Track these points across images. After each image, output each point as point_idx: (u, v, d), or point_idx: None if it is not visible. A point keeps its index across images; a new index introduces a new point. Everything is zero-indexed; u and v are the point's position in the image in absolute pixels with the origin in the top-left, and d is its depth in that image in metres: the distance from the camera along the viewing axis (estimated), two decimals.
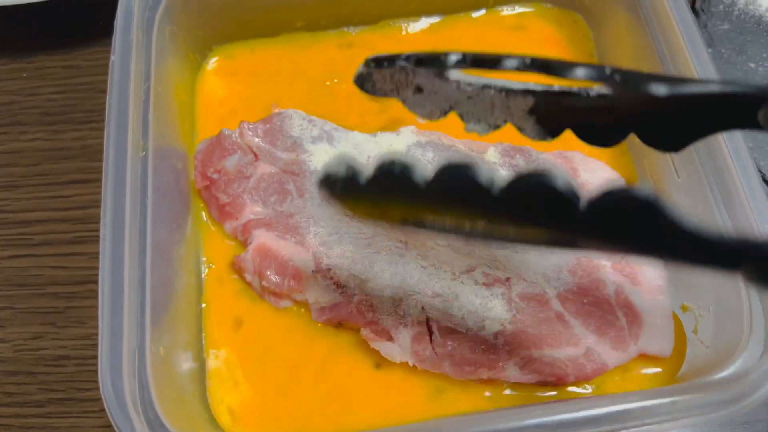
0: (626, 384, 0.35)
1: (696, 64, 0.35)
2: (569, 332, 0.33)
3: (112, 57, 0.37)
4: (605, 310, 0.34)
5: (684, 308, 0.36)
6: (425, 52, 0.29)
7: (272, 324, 0.38)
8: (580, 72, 0.25)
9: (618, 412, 0.28)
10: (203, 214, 0.41)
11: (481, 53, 0.28)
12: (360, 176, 0.24)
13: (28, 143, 0.47)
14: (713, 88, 0.24)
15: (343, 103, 0.44)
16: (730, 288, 0.32)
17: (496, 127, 0.30)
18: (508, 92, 0.29)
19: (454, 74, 0.29)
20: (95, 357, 0.40)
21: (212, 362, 0.37)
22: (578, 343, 0.33)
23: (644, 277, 0.35)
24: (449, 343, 0.34)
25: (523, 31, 0.46)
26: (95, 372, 0.39)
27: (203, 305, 0.39)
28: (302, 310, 0.38)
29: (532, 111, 0.28)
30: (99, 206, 0.43)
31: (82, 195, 0.45)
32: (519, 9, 0.47)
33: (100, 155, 0.45)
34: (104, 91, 0.48)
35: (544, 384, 0.34)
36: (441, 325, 0.34)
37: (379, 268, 0.36)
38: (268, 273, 0.37)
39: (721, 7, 0.48)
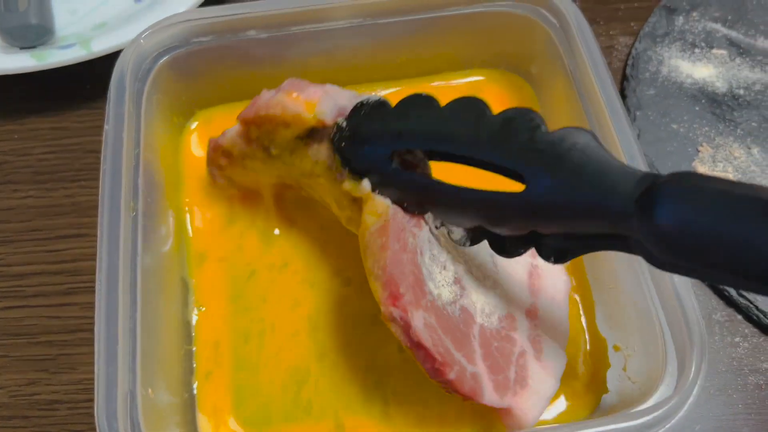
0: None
1: (617, 131, 0.40)
2: (470, 348, 0.35)
3: (106, 126, 0.40)
4: (505, 359, 0.36)
5: (616, 348, 0.41)
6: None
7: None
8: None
9: None
10: (187, 268, 0.45)
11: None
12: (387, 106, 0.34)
13: (21, 201, 0.51)
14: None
15: None
16: (649, 330, 0.36)
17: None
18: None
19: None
20: (87, 401, 0.43)
21: (202, 394, 0.41)
22: (472, 361, 0.35)
23: (546, 357, 0.38)
24: None
25: (488, 89, 0.51)
26: (87, 415, 0.43)
27: (194, 348, 0.42)
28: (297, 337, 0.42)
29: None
30: (89, 259, 0.48)
31: (73, 249, 0.49)
32: (471, 78, 0.52)
33: (90, 211, 0.50)
34: (92, 151, 0.53)
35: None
36: None
37: None
38: None
39: (648, 74, 0.54)
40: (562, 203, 0.29)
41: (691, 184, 0.25)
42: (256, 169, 0.43)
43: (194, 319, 0.43)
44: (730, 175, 0.49)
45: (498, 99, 0.51)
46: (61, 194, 0.51)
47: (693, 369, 0.34)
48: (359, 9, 0.46)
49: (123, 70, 0.43)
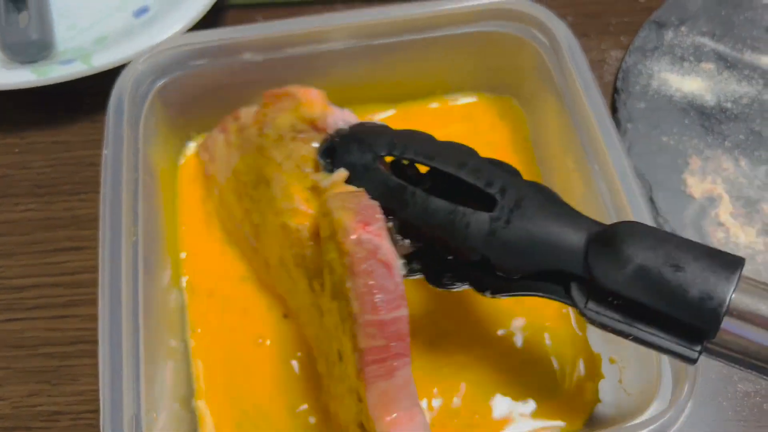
0: None
1: (608, 148, 0.41)
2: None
3: (105, 151, 0.41)
4: None
5: (611, 361, 0.42)
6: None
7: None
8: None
9: None
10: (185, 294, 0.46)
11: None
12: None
13: (21, 214, 0.51)
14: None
15: None
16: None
17: None
18: None
19: None
20: (88, 411, 0.44)
21: (203, 412, 0.41)
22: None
23: None
24: None
25: (471, 121, 0.52)
26: (88, 426, 0.44)
27: (192, 370, 0.43)
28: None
29: None
30: (89, 272, 0.49)
31: (72, 261, 0.49)
32: (463, 100, 0.53)
33: (89, 224, 0.51)
34: (92, 164, 0.54)
35: None
36: None
37: None
38: None
39: (638, 87, 0.55)
40: (517, 247, 0.32)
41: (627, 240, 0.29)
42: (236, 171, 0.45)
43: (191, 343, 0.44)
44: (719, 187, 0.50)
45: (488, 121, 0.53)
46: (60, 207, 0.52)
47: (687, 383, 0.35)
48: (353, 30, 0.47)
49: (120, 94, 0.43)
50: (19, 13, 0.55)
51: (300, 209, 0.38)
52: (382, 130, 0.38)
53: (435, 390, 0.41)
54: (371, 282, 0.30)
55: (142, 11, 0.58)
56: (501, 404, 0.41)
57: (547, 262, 0.31)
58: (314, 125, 0.40)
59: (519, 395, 0.41)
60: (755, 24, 0.59)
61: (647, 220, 0.38)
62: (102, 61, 0.51)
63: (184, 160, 0.50)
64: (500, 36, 0.48)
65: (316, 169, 0.38)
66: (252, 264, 0.46)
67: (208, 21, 0.60)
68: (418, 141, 0.36)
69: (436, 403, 0.41)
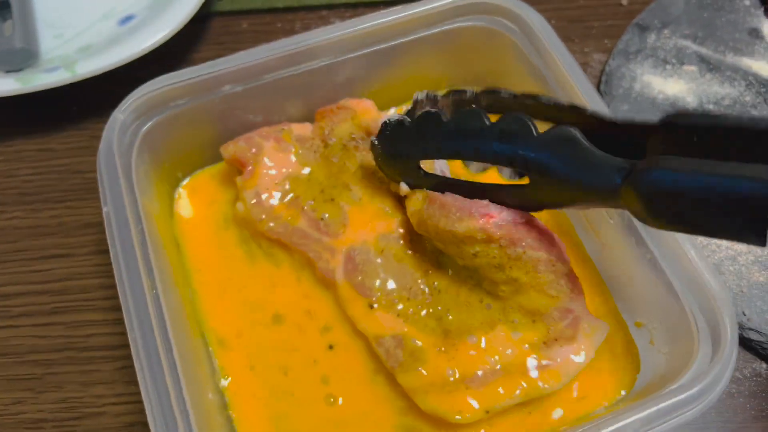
0: (593, 402, 0.41)
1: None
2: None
3: (105, 208, 0.40)
4: None
5: (638, 324, 0.42)
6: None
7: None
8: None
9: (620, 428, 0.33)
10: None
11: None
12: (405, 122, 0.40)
13: (7, 222, 0.52)
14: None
15: None
16: (674, 304, 0.38)
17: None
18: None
19: None
20: (71, 419, 0.44)
21: None
22: None
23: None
24: None
25: None
26: None
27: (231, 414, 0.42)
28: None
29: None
30: (76, 278, 0.49)
31: (59, 269, 0.49)
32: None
33: (75, 231, 0.51)
34: (78, 172, 0.54)
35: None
36: None
37: None
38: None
39: (621, 90, 0.56)
40: (560, 190, 0.35)
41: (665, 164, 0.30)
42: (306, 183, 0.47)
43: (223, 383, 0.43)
44: None
45: None
46: (47, 215, 0.52)
47: (729, 329, 0.35)
48: (328, 47, 0.47)
49: (109, 145, 0.42)
50: (4, 22, 0.56)
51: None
52: (404, 139, 0.42)
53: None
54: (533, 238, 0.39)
55: (128, 19, 0.58)
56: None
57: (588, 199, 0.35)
58: (368, 131, 0.47)
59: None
60: (737, 26, 0.59)
61: None
62: (86, 69, 0.51)
63: (176, 203, 0.50)
64: (472, 30, 0.49)
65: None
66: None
67: (194, 29, 0.61)
68: (435, 137, 0.39)
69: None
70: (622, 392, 0.42)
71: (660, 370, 0.40)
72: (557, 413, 0.41)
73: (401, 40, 0.48)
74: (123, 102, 0.43)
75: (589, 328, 0.40)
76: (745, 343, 0.46)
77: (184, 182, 0.50)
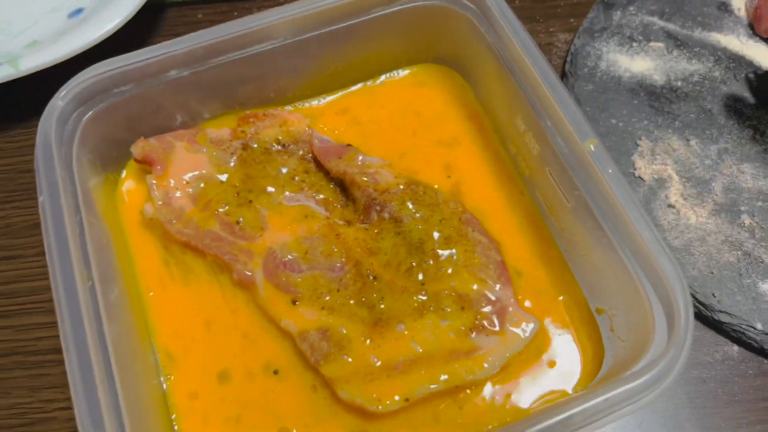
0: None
1: (556, 100, 0.40)
2: None
3: (40, 198, 0.38)
4: None
5: (599, 311, 0.41)
6: None
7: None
8: None
9: (561, 420, 0.32)
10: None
11: None
12: None
13: None
14: None
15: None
16: (631, 289, 0.37)
17: None
18: None
19: None
20: (20, 426, 0.43)
21: None
22: None
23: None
24: None
25: (425, 86, 0.51)
26: None
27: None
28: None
29: None
30: (24, 281, 0.47)
31: (6, 271, 0.48)
32: (403, 73, 0.52)
33: (24, 232, 0.49)
34: (26, 171, 0.52)
35: None
36: None
37: None
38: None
39: (586, 69, 0.54)
40: None
41: None
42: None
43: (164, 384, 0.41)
44: (669, 168, 0.49)
45: (433, 92, 0.51)
46: None
47: (683, 317, 0.34)
48: (279, 28, 0.45)
49: (47, 135, 0.40)
50: None
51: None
52: None
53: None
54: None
55: (77, 12, 0.56)
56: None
57: None
58: (296, 140, 0.48)
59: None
60: (705, 1, 0.57)
61: (612, 164, 0.38)
62: (30, 65, 0.50)
63: (126, 193, 0.47)
64: (427, 9, 0.47)
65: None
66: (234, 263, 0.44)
67: (148, 20, 0.59)
68: None
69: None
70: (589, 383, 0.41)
71: (620, 358, 0.38)
72: (498, 402, 0.40)
73: (359, 20, 0.46)
74: (62, 88, 0.41)
75: (517, 319, 0.40)
76: (715, 326, 0.45)
77: (130, 168, 0.48)
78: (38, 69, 0.50)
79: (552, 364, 0.40)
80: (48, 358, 0.45)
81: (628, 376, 0.33)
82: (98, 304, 0.36)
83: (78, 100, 0.42)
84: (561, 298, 0.43)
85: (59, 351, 0.44)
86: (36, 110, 0.55)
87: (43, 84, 0.51)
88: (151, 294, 0.44)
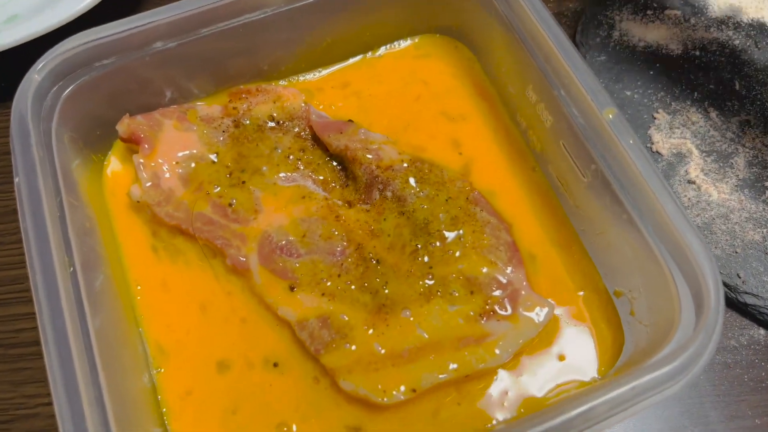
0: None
1: (574, 71, 0.37)
2: None
3: (16, 179, 0.35)
4: None
5: (617, 293, 0.39)
6: None
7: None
8: None
9: (582, 413, 0.29)
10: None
11: None
12: None
13: None
14: None
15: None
16: (654, 269, 0.34)
17: None
18: None
19: None
20: (1, 422, 0.40)
21: None
22: None
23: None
24: None
25: (428, 57, 0.49)
26: None
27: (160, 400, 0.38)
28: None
29: None
30: (6, 269, 0.44)
31: None
32: (404, 44, 0.49)
33: (4, 218, 0.46)
34: (5, 153, 0.49)
35: None
36: None
37: None
38: None
39: (598, 39, 0.51)
40: None
41: None
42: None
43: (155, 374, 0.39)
44: (689, 142, 0.46)
45: (438, 64, 0.49)
46: None
47: (713, 298, 0.31)
48: None
49: (22, 111, 0.37)
50: None
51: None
52: None
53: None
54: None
55: None
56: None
57: None
58: (292, 116, 0.44)
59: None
60: None
61: (632, 134, 0.35)
62: (7, 39, 0.47)
63: (111, 174, 0.45)
64: None
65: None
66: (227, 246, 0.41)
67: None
68: None
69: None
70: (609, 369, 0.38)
71: (642, 344, 0.36)
72: (511, 393, 0.37)
73: None
74: (38, 61, 0.38)
75: (530, 303, 0.37)
76: (740, 308, 0.42)
77: (116, 148, 0.45)
78: (17, 44, 0.47)
79: (567, 351, 0.38)
80: (29, 350, 0.42)
81: (652, 364, 0.30)
82: (80, 292, 0.34)
83: (56, 73, 0.39)
84: (576, 280, 0.40)
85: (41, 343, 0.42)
86: (7, 90, 0.51)
87: (22, 62, 0.49)
88: (139, 285, 0.41)
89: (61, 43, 0.39)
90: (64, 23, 0.48)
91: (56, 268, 0.33)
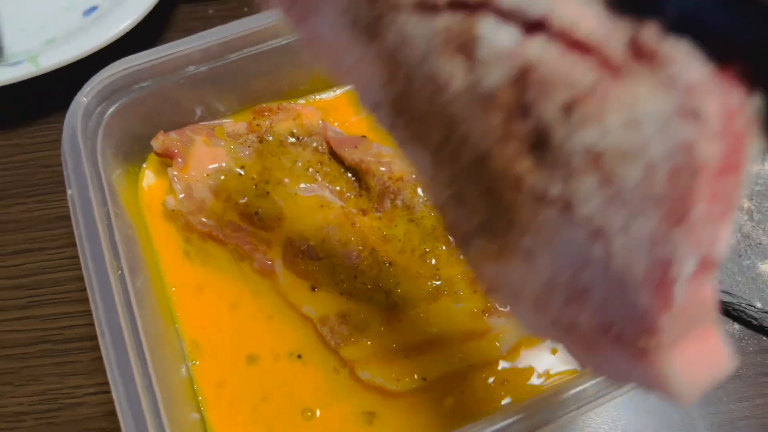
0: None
1: None
2: None
3: (69, 191, 0.40)
4: None
5: None
6: None
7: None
8: None
9: (574, 395, 0.34)
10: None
11: None
12: None
13: None
14: None
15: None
16: None
17: None
18: None
19: None
20: (49, 411, 0.44)
21: None
22: None
23: None
24: None
25: None
26: (51, 425, 0.44)
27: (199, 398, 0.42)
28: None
29: None
30: (48, 272, 0.49)
31: (31, 263, 0.49)
32: None
33: (46, 225, 0.51)
34: (47, 166, 0.54)
35: None
36: None
37: None
38: None
39: None
40: None
41: None
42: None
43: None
44: None
45: None
46: (17, 210, 0.52)
47: None
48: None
49: (73, 129, 0.42)
50: None
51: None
52: None
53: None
54: None
55: (92, 10, 0.58)
56: None
57: None
58: (310, 132, 0.49)
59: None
60: None
61: None
62: (49, 62, 0.51)
63: (146, 186, 0.49)
64: None
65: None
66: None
67: (159, 17, 0.60)
68: None
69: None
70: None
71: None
72: (511, 381, 0.42)
73: None
74: (86, 85, 0.43)
75: None
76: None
77: (150, 162, 0.50)
78: (58, 66, 0.51)
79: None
80: (75, 345, 0.46)
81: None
82: (129, 293, 0.38)
83: (101, 96, 0.44)
84: None
85: (86, 339, 0.46)
86: (54, 106, 0.56)
87: (60, 80, 0.53)
88: (174, 287, 0.45)
89: (104, 69, 0.44)
90: (101, 47, 0.52)
91: (108, 270, 0.37)
